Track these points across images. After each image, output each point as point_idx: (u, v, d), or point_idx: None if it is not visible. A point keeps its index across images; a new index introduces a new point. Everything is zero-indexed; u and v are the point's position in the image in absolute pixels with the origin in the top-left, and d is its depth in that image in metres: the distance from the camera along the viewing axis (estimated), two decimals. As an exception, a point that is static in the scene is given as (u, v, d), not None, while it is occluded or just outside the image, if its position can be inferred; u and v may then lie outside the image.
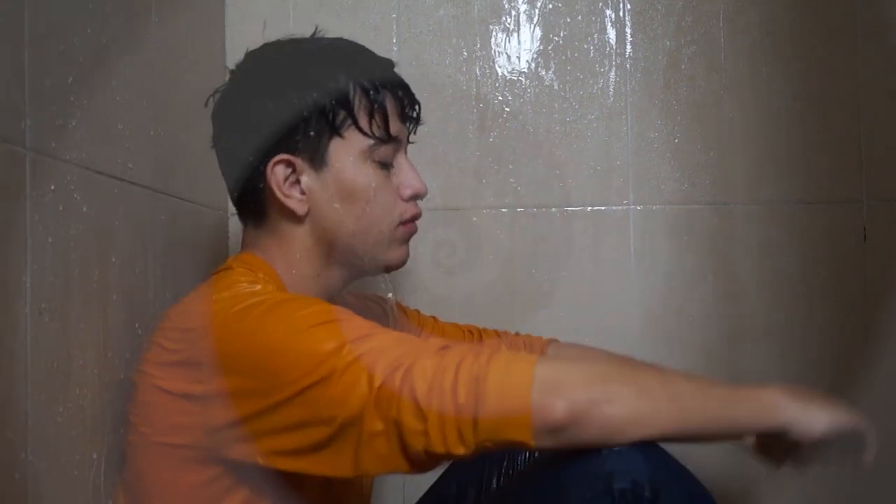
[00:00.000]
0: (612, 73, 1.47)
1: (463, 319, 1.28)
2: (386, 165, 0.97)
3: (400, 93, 0.98)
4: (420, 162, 1.45)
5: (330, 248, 0.96)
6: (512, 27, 1.47)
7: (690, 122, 1.47)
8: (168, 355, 0.86)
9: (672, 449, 0.84)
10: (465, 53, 1.47)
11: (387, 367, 0.78)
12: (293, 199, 0.94)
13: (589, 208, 1.46)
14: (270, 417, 0.80)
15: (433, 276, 1.45)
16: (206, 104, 1.01)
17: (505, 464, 1.15)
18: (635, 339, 1.45)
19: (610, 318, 1.45)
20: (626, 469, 0.76)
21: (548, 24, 1.48)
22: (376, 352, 0.79)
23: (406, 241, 1.01)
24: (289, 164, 0.93)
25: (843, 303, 1.45)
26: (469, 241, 1.46)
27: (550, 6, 1.48)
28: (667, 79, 1.47)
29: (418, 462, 0.78)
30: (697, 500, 0.81)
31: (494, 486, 1.14)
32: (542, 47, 1.47)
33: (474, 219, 1.46)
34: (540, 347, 1.22)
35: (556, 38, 1.47)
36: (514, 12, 1.48)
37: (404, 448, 0.78)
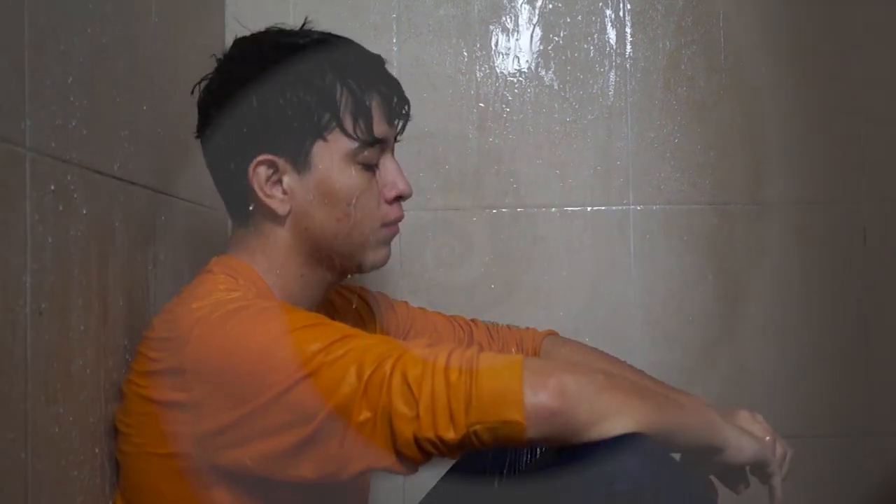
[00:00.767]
0: (612, 73, 1.47)
1: (463, 319, 1.28)
2: (370, 167, 0.96)
3: (389, 93, 0.96)
4: (420, 162, 1.46)
5: (312, 248, 0.96)
6: (512, 27, 1.47)
7: (690, 122, 1.47)
8: (152, 364, 0.86)
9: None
10: (465, 53, 1.47)
11: (376, 358, 0.79)
12: (275, 200, 0.93)
13: (589, 208, 1.46)
14: (257, 421, 0.80)
15: (433, 276, 1.45)
16: (193, 92, 0.99)
17: (506, 466, 1.14)
18: (635, 338, 1.45)
19: (610, 318, 1.46)
20: (627, 471, 0.76)
21: (548, 24, 1.48)
22: (363, 348, 0.80)
23: (388, 242, 1.00)
24: (271, 164, 0.92)
25: (843, 303, 1.45)
26: (469, 241, 1.46)
27: (550, 6, 1.48)
28: (667, 79, 1.47)
29: (406, 455, 0.78)
30: (698, 501, 0.81)
31: (496, 487, 1.14)
32: (542, 47, 1.47)
33: (474, 219, 1.46)
34: (533, 344, 1.21)
35: (556, 38, 1.47)
36: (514, 12, 1.48)
37: (393, 438, 0.77)
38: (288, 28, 0.99)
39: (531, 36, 1.48)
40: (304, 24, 1.00)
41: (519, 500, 0.87)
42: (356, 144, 0.93)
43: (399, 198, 0.98)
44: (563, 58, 1.47)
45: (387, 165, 0.98)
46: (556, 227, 1.46)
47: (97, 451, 0.87)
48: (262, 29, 1.00)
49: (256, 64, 0.94)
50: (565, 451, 0.80)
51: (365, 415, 0.77)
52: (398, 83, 0.99)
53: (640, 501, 0.76)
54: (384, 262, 1.01)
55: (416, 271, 1.45)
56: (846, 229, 1.46)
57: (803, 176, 1.46)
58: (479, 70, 1.47)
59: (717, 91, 1.47)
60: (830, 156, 1.46)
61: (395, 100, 0.98)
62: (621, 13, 1.47)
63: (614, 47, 1.47)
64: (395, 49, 1.46)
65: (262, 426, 0.80)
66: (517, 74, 1.47)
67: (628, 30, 1.47)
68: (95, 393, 0.87)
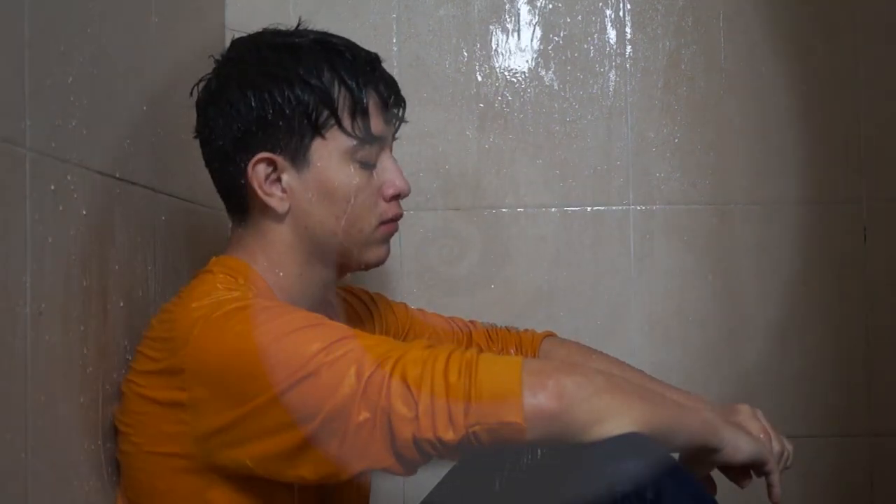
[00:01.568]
0: (612, 73, 1.47)
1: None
2: (369, 165, 0.96)
3: (386, 91, 0.97)
4: (420, 162, 1.46)
5: (311, 246, 0.96)
6: (512, 27, 1.47)
7: (690, 122, 1.47)
8: (152, 364, 0.86)
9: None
10: (465, 53, 1.47)
11: (375, 359, 0.79)
12: (274, 198, 0.93)
13: (589, 208, 1.46)
14: (256, 420, 0.80)
15: (433, 276, 1.45)
16: (192, 94, 0.99)
17: (507, 468, 1.14)
18: (635, 339, 1.45)
19: (609, 317, 1.46)
20: (628, 472, 0.76)
21: (548, 24, 1.47)
22: (362, 349, 0.80)
23: (387, 240, 1.00)
24: (270, 162, 0.93)
25: (843, 303, 1.45)
26: (469, 242, 1.46)
27: (550, 6, 1.48)
28: (667, 79, 1.47)
29: (405, 456, 0.78)
30: (699, 501, 0.81)
31: (496, 489, 1.14)
32: (542, 47, 1.47)
33: (474, 219, 1.46)
34: (532, 346, 1.22)
35: (556, 38, 1.47)
36: (514, 12, 1.47)
37: (392, 439, 0.77)
38: (284, 28, 0.99)
39: (531, 36, 1.48)
40: (298, 25, 1.00)
41: (519, 502, 0.87)
42: (354, 142, 0.94)
43: (397, 196, 0.99)
44: (563, 58, 1.47)
45: (385, 164, 0.98)
46: (556, 227, 1.46)
47: (97, 451, 0.87)
48: (260, 30, 1.00)
49: (254, 63, 0.94)
50: (565, 453, 0.80)
51: (364, 415, 0.77)
52: (395, 82, 0.99)
53: (642, 503, 0.76)
54: (383, 260, 1.01)
55: (415, 271, 1.45)
56: (846, 229, 1.45)
57: (803, 176, 1.46)
58: (479, 70, 1.47)
59: (717, 91, 1.46)
60: (830, 156, 1.46)
61: (393, 98, 0.98)
62: (621, 13, 1.47)
63: (614, 47, 1.47)
64: (395, 49, 1.46)
65: (262, 426, 0.80)
66: (517, 74, 1.47)
67: (628, 30, 1.47)
68: (95, 393, 0.87)
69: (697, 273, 1.46)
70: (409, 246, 1.44)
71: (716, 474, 0.95)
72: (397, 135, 1.02)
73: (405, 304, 1.26)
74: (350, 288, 1.20)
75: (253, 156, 0.92)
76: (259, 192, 0.93)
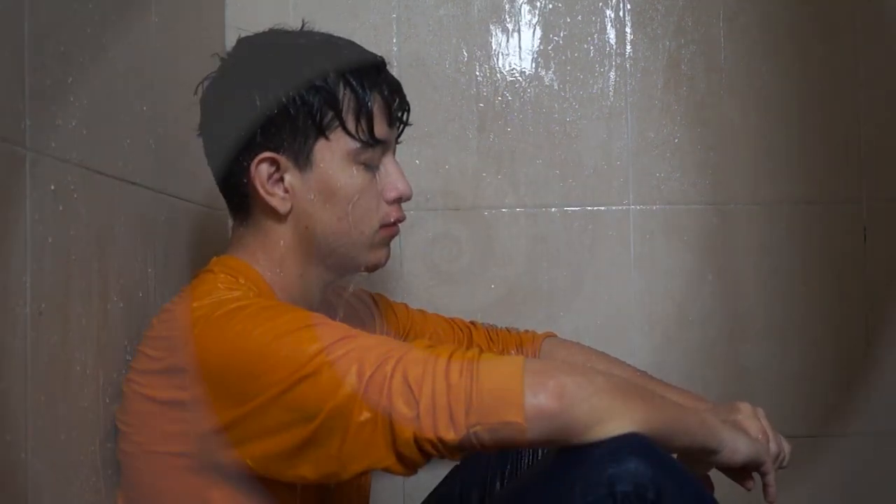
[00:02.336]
0: (612, 73, 1.47)
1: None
2: (371, 167, 0.96)
3: (390, 95, 0.97)
4: (420, 162, 1.46)
5: (312, 247, 0.96)
6: (512, 27, 1.47)
7: (690, 122, 1.47)
8: (152, 363, 0.86)
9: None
10: (465, 53, 1.47)
11: (377, 358, 0.79)
12: (276, 198, 0.94)
13: (589, 208, 1.46)
14: (257, 420, 0.80)
15: (433, 277, 1.45)
16: (196, 92, 1.00)
17: (508, 467, 1.14)
18: (635, 339, 1.45)
19: (610, 317, 1.46)
20: (629, 472, 0.76)
21: (548, 24, 1.48)
22: (364, 348, 0.80)
23: (388, 242, 1.01)
24: (273, 161, 0.93)
25: (843, 303, 1.45)
26: (469, 242, 1.46)
27: (550, 6, 1.48)
28: (667, 79, 1.47)
29: (406, 455, 0.78)
30: (700, 501, 0.81)
31: (497, 489, 1.14)
32: (542, 47, 1.47)
33: (474, 219, 1.46)
34: (532, 347, 1.22)
35: (556, 38, 1.47)
36: (514, 12, 1.48)
37: (393, 439, 0.77)
38: (290, 29, 0.99)
39: (531, 36, 1.48)
40: (303, 26, 1.00)
41: (520, 502, 0.87)
42: (358, 144, 0.94)
43: (399, 199, 0.99)
44: (563, 58, 1.47)
45: (388, 166, 0.98)
46: (556, 227, 1.46)
47: (97, 450, 0.87)
48: (264, 29, 1.00)
49: (259, 63, 0.95)
50: (566, 453, 0.80)
51: (365, 415, 0.77)
52: (400, 85, 1.00)
53: (642, 503, 0.76)
54: (383, 263, 1.01)
55: (416, 271, 1.45)
56: (846, 229, 1.46)
57: (803, 176, 1.46)
58: (479, 70, 1.47)
59: (717, 91, 1.47)
60: (830, 156, 1.46)
61: (397, 102, 0.98)
62: (621, 13, 1.47)
63: (614, 47, 1.47)
64: (395, 49, 1.46)
65: (263, 426, 0.80)
66: (517, 74, 1.47)
67: (628, 30, 1.47)
68: (95, 393, 0.87)
69: (697, 273, 1.46)
70: (409, 246, 1.44)
71: (716, 474, 0.95)
72: (401, 138, 1.02)
73: (406, 304, 1.26)
74: (351, 288, 1.20)
75: (256, 155, 0.93)
76: (261, 191, 0.93)
